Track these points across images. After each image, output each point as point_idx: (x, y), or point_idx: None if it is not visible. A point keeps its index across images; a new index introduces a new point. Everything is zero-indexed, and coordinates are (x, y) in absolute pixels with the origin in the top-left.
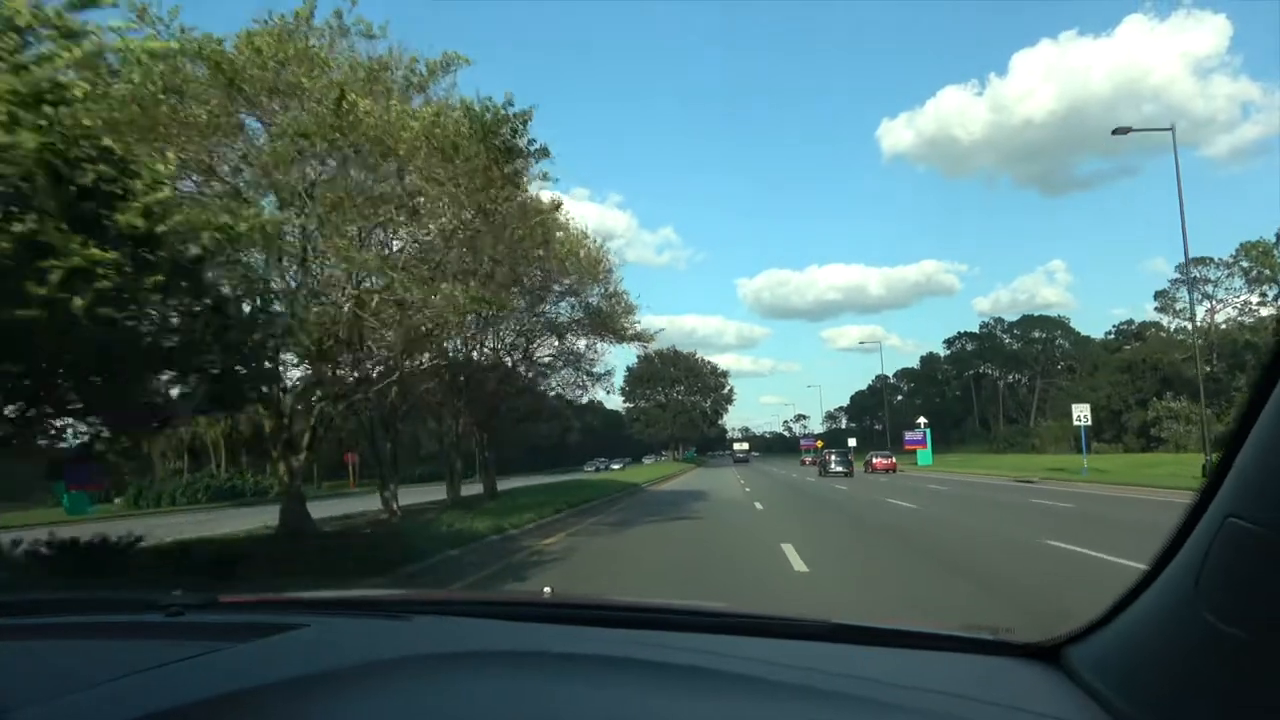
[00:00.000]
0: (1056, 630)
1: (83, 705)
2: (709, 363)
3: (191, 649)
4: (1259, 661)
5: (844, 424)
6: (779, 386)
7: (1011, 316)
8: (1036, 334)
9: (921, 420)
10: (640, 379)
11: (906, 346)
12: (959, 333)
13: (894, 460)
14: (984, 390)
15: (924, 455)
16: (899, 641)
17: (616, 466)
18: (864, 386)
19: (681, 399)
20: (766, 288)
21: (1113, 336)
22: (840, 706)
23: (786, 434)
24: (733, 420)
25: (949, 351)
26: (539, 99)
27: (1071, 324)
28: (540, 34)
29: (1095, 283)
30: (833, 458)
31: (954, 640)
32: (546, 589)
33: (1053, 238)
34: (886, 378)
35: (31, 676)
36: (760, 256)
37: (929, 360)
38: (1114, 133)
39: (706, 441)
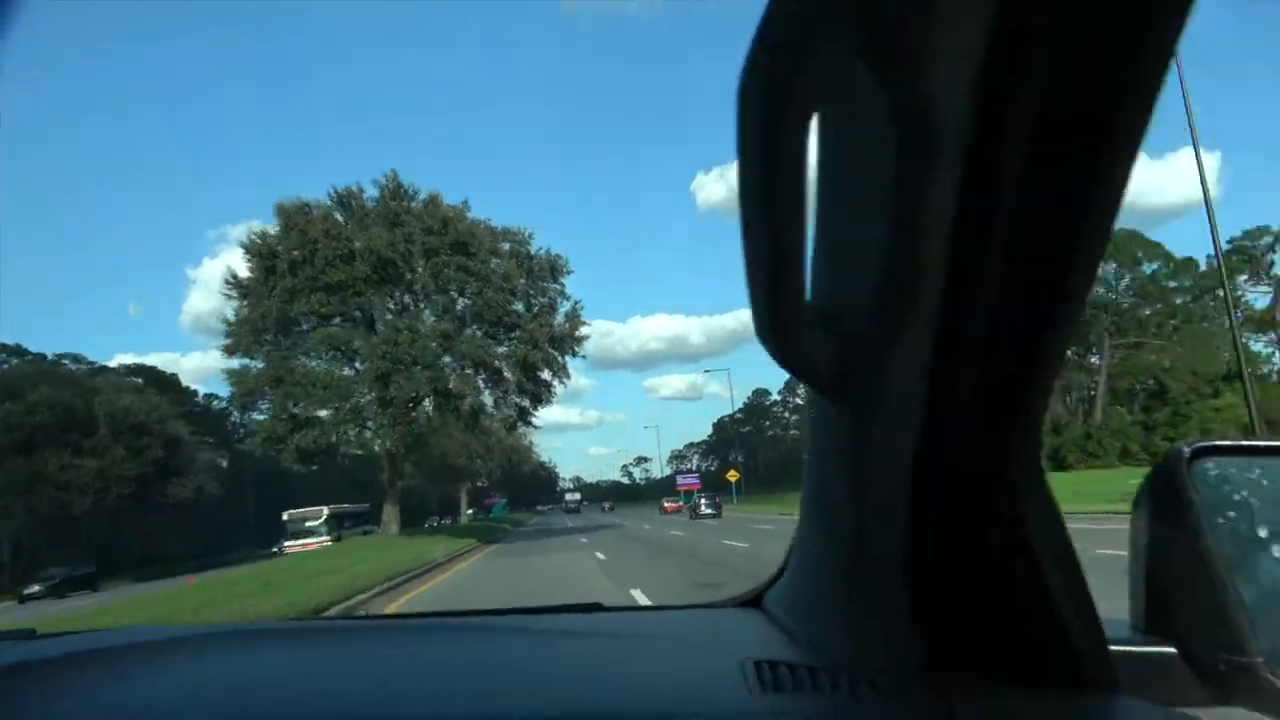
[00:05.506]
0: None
1: None
2: (518, 233)
3: None
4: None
5: (694, 463)
6: (608, 438)
7: None
8: (1109, 265)
9: None
10: (268, 266)
11: (727, 394)
12: None
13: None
14: None
15: None
16: (650, 610)
17: None
18: (733, 411)
19: (427, 324)
20: (591, 339)
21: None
22: (606, 640)
23: (626, 480)
24: (564, 469)
25: None
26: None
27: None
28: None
29: None
30: (702, 501)
31: (690, 606)
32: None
33: None
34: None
35: None
36: (586, 309)
37: None
38: None
39: (516, 481)
